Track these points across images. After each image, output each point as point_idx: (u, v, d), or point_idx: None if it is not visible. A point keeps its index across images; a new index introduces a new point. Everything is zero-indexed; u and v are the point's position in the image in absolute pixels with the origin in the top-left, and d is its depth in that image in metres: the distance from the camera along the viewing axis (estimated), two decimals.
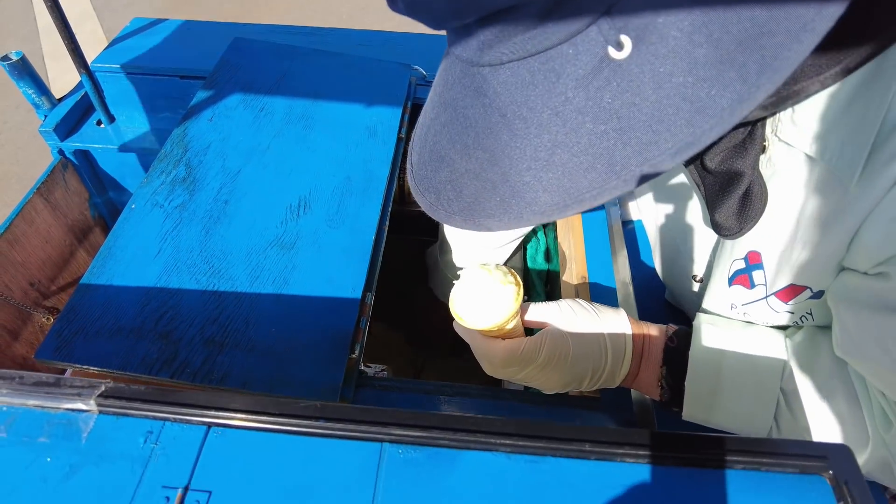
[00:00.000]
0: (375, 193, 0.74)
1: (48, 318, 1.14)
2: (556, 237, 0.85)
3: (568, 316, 0.56)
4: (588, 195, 0.34)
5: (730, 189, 0.49)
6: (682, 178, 0.63)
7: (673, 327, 0.58)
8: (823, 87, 0.40)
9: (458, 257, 0.85)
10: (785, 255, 0.51)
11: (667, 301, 0.90)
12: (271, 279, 0.63)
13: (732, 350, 0.53)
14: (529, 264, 0.97)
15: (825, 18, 0.27)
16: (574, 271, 0.75)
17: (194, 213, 0.68)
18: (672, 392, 0.55)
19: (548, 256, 0.97)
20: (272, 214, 0.69)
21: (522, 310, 0.57)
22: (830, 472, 0.35)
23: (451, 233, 0.83)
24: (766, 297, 0.55)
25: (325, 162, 0.76)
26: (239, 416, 0.35)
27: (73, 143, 1.15)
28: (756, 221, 0.50)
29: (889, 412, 0.46)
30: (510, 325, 0.54)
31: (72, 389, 0.36)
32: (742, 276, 0.56)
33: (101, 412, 0.35)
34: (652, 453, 0.35)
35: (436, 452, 0.34)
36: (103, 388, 0.36)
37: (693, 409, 0.54)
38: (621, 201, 1.09)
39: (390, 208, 0.76)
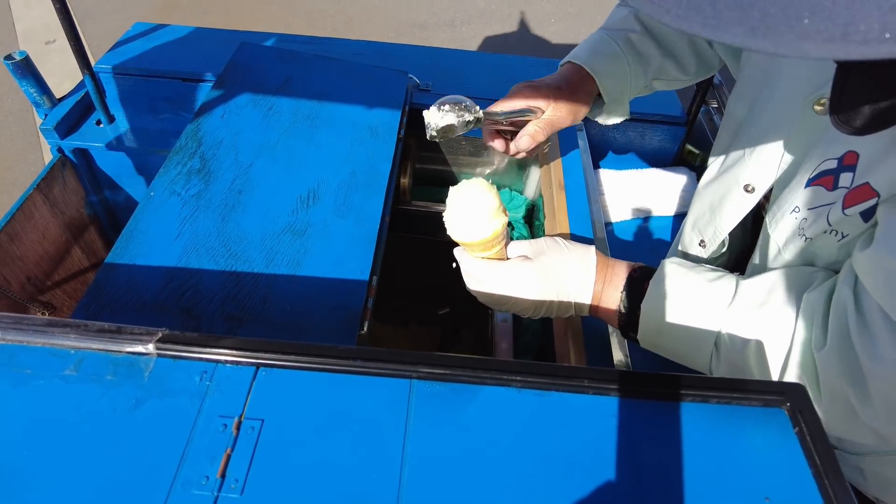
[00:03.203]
0: (379, 187, 0.79)
1: (44, 313, 1.16)
2: (543, 233, 0.92)
3: (540, 248, 0.65)
4: None
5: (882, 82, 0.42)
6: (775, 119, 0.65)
7: (640, 264, 0.65)
8: None
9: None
10: (878, 156, 0.50)
11: None
12: (285, 262, 0.68)
13: (690, 280, 0.60)
14: None
15: None
16: None
17: (210, 201, 0.73)
18: (628, 317, 0.62)
19: None
20: (284, 204, 0.74)
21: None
22: (788, 404, 0.41)
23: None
24: (838, 200, 0.54)
25: (332, 158, 0.81)
26: (284, 357, 0.40)
27: (72, 142, 1.18)
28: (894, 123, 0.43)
29: (834, 332, 0.50)
30: (494, 251, 0.63)
31: (132, 336, 0.40)
32: (827, 177, 0.56)
33: (159, 355, 0.40)
34: (640, 389, 0.40)
35: (458, 387, 0.39)
36: (160, 334, 0.40)
37: (646, 332, 0.61)
38: (602, 204, 1.16)
39: (391, 202, 0.82)
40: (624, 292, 0.62)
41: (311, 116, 0.87)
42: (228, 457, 0.35)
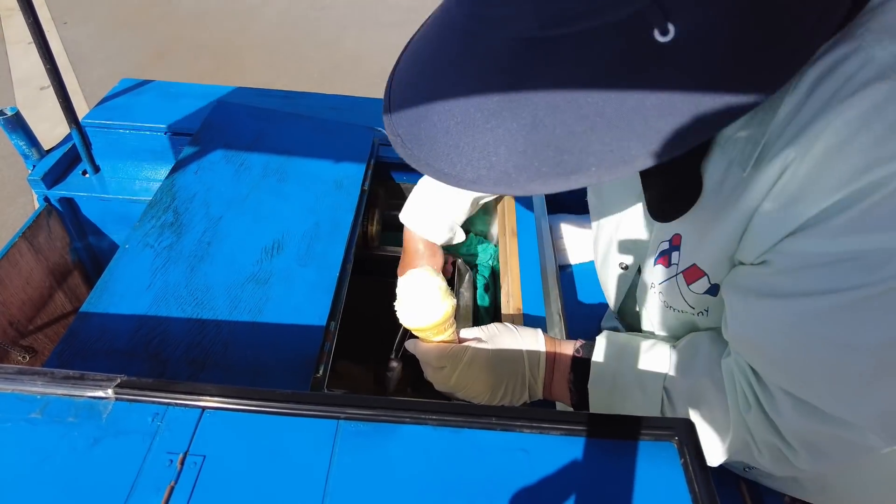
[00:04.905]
0: (341, 237, 0.85)
1: (24, 357, 1.20)
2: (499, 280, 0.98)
3: (492, 332, 0.69)
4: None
5: (668, 180, 0.56)
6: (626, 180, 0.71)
7: (581, 341, 0.70)
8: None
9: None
10: (695, 238, 0.58)
11: (595, 329, 1.02)
12: (248, 309, 0.73)
13: (626, 357, 0.65)
14: (479, 302, 1.09)
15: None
16: (511, 305, 0.87)
17: (181, 253, 0.78)
18: (580, 395, 0.67)
19: (494, 297, 1.10)
20: (249, 255, 0.80)
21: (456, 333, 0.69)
22: (676, 438, 0.47)
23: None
24: (676, 275, 0.63)
25: (297, 210, 0.88)
26: (227, 400, 0.45)
27: (58, 192, 1.24)
28: (686, 210, 0.56)
29: (750, 396, 0.57)
30: (446, 334, 0.66)
31: (93, 382, 0.45)
32: (664, 257, 0.64)
33: (117, 399, 0.45)
34: (543, 426, 0.46)
35: (380, 426, 0.45)
36: (119, 380, 0.45)
37: (597, 408, 0.66)
38: (557, 247, 1.23)
39: (353, 250, 0.88)
40: (572, 374, 0.67)
41: (280, 171, 0.94)
42: (172, 489, 0.40)
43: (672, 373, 0.63)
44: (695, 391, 0.61)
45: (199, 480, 0.41)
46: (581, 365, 0.67)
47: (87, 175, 1.28)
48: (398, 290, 0.66)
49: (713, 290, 0.60)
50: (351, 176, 0.97)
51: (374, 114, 1.29)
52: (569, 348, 0.69)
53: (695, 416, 0.61)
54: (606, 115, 0.36)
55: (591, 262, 1.27)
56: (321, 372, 0.71)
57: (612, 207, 0.75)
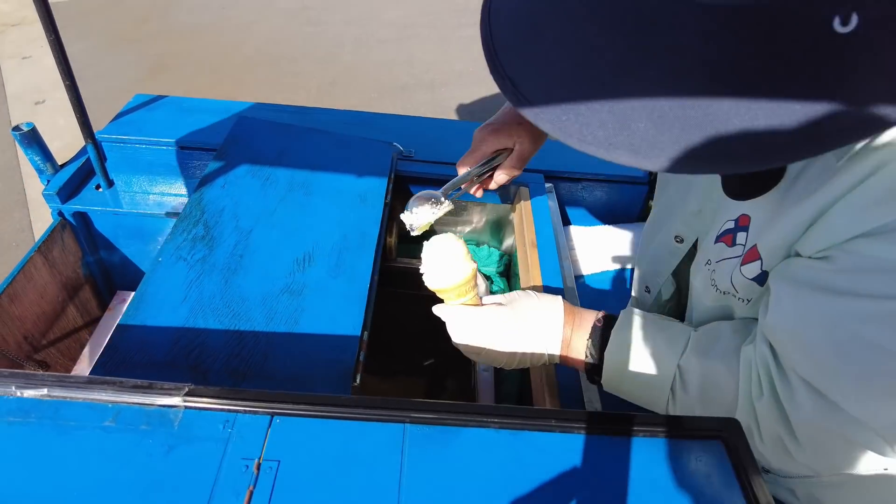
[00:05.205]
0: (368, 249, 0.87)
1: (38, 371, 1.19)
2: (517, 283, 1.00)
3: (512, 297, 0.72)
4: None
5: None
6: None
7: (603, 313, 0.71)
8: None
9: None
10: (764, 220, 0.57)
11: None
12: (284, 320, 0.75)
13: (646, 332, 0.67)
14: None
15: None
16: None
17: (214, 266, 0.79)
18: (594, 363, 0.68)
19: None
20: (282, 267, 0.81)
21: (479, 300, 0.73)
22: (725, 437, 0.49)
23: None
24: (738, 256, 0.61)
25: (324, 223, 0.89)
26: (295, 406, 0.46)
27: (72, 206, 1.24)
28: (765, 191, 0.54)
29: (765, 384, 0.57)
30: (469, 297, 0.70)
31: (162, 390, 0.46)
32: (728, 236, 0.63)
33: (186, 407, 0.46)
34: (599, 427, 0.48)
35: (444, 429, 0.46)
36: (187, 388, 0.47)
37: (609, 377, 0.67)
38: (573, 258, 1.25)
39: (380, 261, 0.89)
40: (590, 340, 0.69)
41: (305, 185, 0.95)
42: (251, 493, 0.41)
43: (689, 353, 0.64)
44: (708, 373, 0.62)
45: (276, 484, 0.42)
46: (600, 334, 0.68)
47: (101, 189, 1.29)
48: (423, 255, 0.70)
49: (761, 277, 0.59)
50: (373, 189, 0.99)
51: (385, 127, 1.31)
52: (590, 317, 0.70)
53: (703, 397, 0.62)
54: (766, 104, 0.32)
55: (602, 273, 1.30)
56: (357, 381, 0.72)
57: (681, 177, 0.73)
